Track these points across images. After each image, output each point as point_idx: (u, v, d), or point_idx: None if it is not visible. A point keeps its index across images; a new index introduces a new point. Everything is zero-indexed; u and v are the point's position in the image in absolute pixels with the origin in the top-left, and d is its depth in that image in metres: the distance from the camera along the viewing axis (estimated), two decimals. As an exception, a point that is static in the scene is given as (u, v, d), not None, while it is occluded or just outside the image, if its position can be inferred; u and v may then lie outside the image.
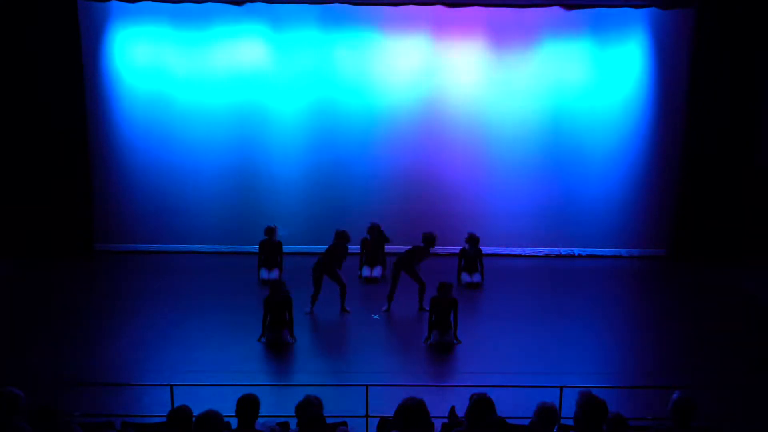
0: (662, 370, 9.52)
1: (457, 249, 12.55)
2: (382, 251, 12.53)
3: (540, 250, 13.87)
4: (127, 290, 11.98)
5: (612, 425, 5.60)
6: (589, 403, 5.56)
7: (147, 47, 13.27)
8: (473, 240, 12.30)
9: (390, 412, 5.44)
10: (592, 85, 13.45)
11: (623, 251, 13.87)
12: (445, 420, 6.74)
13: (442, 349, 10.10)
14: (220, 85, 13.34)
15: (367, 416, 7.57)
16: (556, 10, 12.95)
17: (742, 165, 13.06)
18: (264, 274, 12.07)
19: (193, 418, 5.67)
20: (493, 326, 10.94)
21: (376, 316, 11.11)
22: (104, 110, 13.35)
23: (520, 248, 13.81)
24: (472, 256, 12.34)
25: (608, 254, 13.81)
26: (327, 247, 11.20)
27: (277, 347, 10.09)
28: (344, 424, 6.57)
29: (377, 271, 12.42)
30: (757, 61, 12.74)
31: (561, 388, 7.69)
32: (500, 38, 13.29)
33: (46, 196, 12.87)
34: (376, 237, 12.33)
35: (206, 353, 9.79)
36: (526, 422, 6.32)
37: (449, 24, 13.17)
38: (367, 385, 7.76)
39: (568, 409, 6.27)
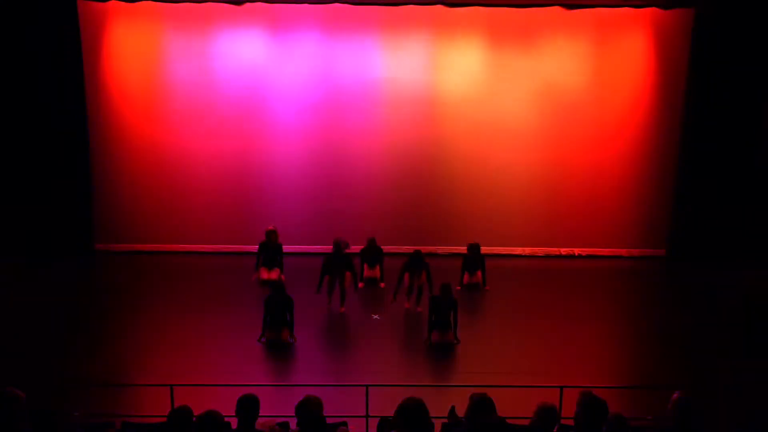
0: (662, 370, 9.52)
1: (457, 249, 12.56)
2: (380, 259, 12.44)
3: (540, 250, 13.88)
4: (127, 290, 11.99)
5: (612, 425, 5.59)
6: (589, 403, 5.55)
7: (147, 47, 13.27)
8: (474, 248, 12.20)
9: (390, 412, 5.43)
10: (591, 85, 13.45)
11: (623, 251, 13.88)
12: (445, 420, 6.73)
13: (442, 349, 10.10)
14: (219, 86, 13.34)
15: (367, 416, 7.56)
16: (556, 10, 12.96)
17: (742, 165, 13.06)
18: (264, 274, 12.07)
19: (193, 418, 5.67)
20: (493, 326, 10.95)
21: (376, 316, 11.11)
22: (104, 110, 13.36)
23: (520, 248, 13.82)
24: (473, 260, 12.26)
25: (608, 254, 13.83)
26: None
27: (277, 347, 10.09)
28: (344, 424, 6.56)
29: (377, 272, 12.38)
30: (757, 62, 12.74)
31: (561, 388, 7.68)
32: (500, 38, 13.30)
33: (46, 196, 12.87)
34: (371, 246, 12.31)
35: (206, 353, 9.79)
36: (526, 422, 6.32)
37: (449, 24, 13.18)
38: (367, 385, 7.76)
39: (568, 409, 6.26)
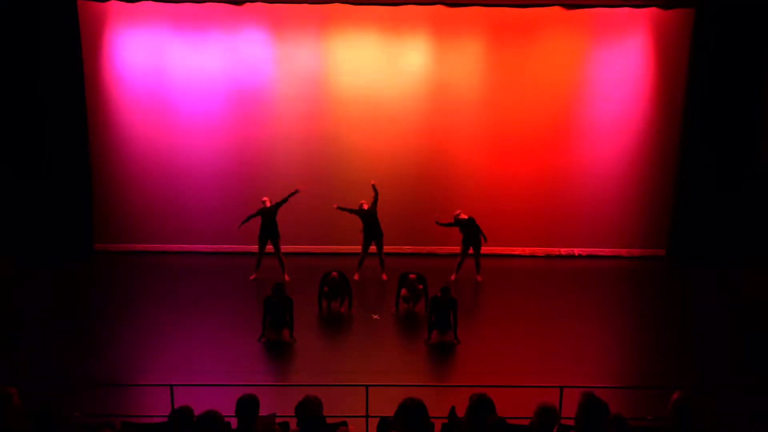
0: (662, 370, 9.51)
1: (456, 250, 12.54)
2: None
3: (540, 250, 13.88)
4: (127, 290, 12.00)
5: (612, 426, 5.59)
6: (590, 403, 5.54)
7: (147, 47, 13.28)
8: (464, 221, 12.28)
9: (390, 412, 5.43)
10: (592, 85, 13.45)
11: (623, 251, 13.88)
12: (445, 420, 6.73)
13: (442, 349, 10.10)
14: (219, 86, 13.35)
15: (367, 416, 7.56)
16: (556, 10, 12.97)
17: (742, 165, 13.07)
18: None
19: (194, 418, 5.66)
20: (493, 326, 10.94)
21: (376, 316, 11.11)
22: (104, 110, 13.37)
23: (520, 248, 13.82)
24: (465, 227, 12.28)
25: (608, 254, 13.83)
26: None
27: (277, 347, 10.09)
28: (344, 424, 6.56)
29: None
30: (756, 61, 12.74)
31: (561, 388, 7.68)
32: (500, 38, 13.31)
33: (45, 195, 12.87)
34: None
35: (206, 353, 9.79)
36: (526, 422, 6.31)
37: (449, 24, 13.18)
38: (367, 385, 7.75)
39: (568, 409, 6.26)
